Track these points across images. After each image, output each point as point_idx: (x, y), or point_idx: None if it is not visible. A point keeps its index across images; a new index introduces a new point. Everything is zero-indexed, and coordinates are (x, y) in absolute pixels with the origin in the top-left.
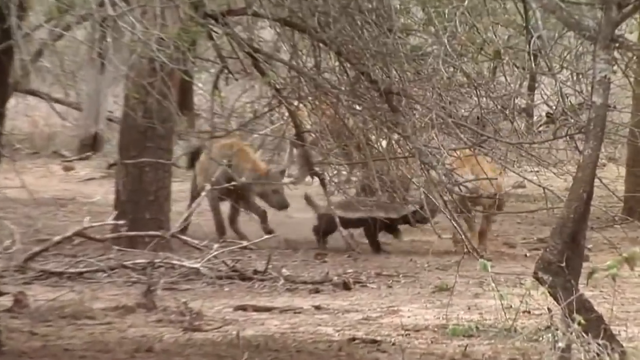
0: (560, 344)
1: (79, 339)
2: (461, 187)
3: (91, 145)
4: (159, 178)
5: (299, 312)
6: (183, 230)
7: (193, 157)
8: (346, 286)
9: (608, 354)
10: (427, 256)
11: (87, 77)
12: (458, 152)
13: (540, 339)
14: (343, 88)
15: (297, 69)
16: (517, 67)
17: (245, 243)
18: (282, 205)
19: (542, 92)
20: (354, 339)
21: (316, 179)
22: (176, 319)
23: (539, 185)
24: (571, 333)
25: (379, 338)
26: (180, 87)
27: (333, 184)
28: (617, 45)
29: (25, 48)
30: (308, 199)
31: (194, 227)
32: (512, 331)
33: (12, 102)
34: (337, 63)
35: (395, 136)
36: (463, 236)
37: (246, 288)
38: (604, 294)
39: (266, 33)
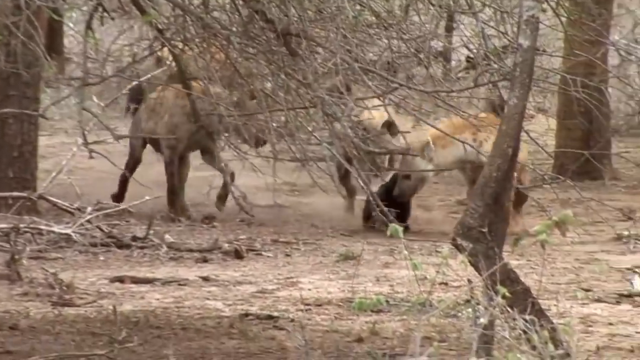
0: (482, 320)
1: None
2: (369, 141)
3: None
4: (24, 131)
5: (184, 285)
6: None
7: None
8: (238, 254)
9: (536, 330)
10: (331, 221)
11: None
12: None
13: (459, 314)
14: (234, 29)
15: (182, 7)
16: (433, 5)
17: (123, 205)
18: None
19: (462, 33)
20: (247, 314)
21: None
22: (44, 292)
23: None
24: (494, 307)
25: (275, 313)
26: (48, 28)
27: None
28: None
29: None
30: None
31: (66, 187)
32: (427, 305)
33: None
34: (227, 0)
35: (295, 84)
36: (372, 199)
37: (124, 257)
38: (532, 263)
39: None
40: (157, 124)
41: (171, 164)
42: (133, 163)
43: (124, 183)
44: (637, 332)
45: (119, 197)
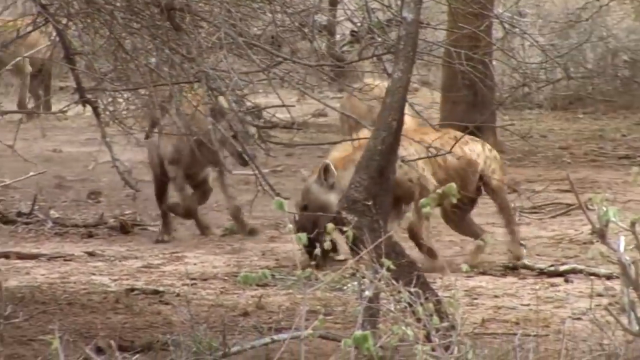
0: (367, 293)
1: None
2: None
3: None
4: None
5: (70, 260)
6: None
7: None
8: (124, 229)
9: (421, 303)
10: (217, 194)
11: None
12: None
13: (345, 287)
14: (118, 4)
15: None
16: None
17: (7, 181)
18: None
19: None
20: (132, 289)
21: (89, 107)
22: None
23: (342, 113)
24: (379, 280)
25: (161, 288)
26: None
27: (107, 113)
28: None
29: None
30: None
31: None
32: (312, 279)
33: None
34: None
35: (179, 58)
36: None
37: (9, 233)
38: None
39: None
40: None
41: (176, 179)
42: (159, 189)
43: (165, 214)
44: (522, 305)
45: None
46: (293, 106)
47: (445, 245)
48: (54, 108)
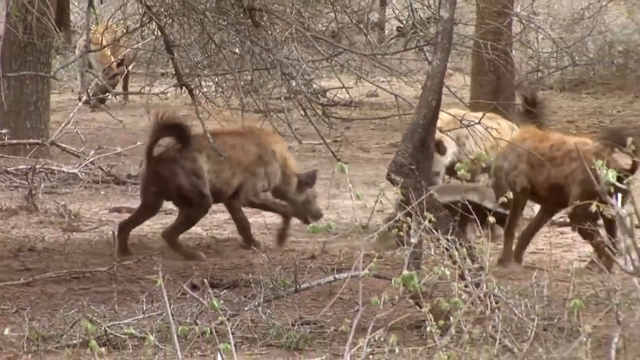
0: (413, 240)
1: None
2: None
3: None
4: (38, 90)
5: (170, 213)
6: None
7: None
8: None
9: (456, 248)
10: None
11: None
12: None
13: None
14: (209, 5)
15: None
16: None
17: (119, 149)
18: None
19: (394, 7)
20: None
21: (185, 90)
22: (56, 221)
23: (392, 93)
24: (422, 230)
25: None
26: (57, 5)
27: (201, 93)
28: None
29: None
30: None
31: (72, 135)
32: (367, 229)
33: None
34: None
35: (258, 49)
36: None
37: (120, 192)
38: None
39: None
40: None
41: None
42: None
43: None
44: (537, 249)
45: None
46: (351, 88)
47: None
48: (156, 90)
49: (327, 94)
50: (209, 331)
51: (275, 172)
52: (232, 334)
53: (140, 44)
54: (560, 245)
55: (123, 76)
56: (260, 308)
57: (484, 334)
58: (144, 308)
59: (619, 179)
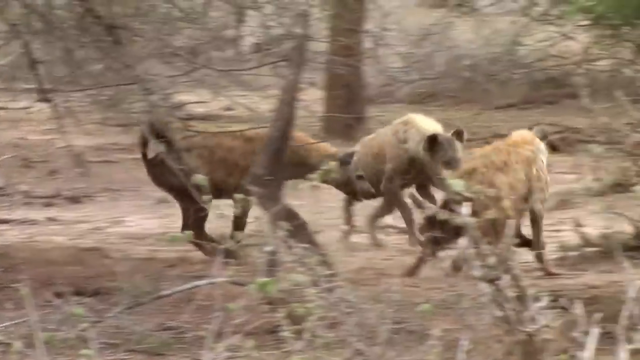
0: (268, 248)
1: None
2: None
3: None
4: None
5: (35, 224)
6: None
7: None
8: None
9: (310, 256)
10: None
11: None
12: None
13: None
14: (71, 23)
15: (30, 6)
16: (228, 2)
17: None
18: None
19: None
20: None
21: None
22: None
23: (247, 108)
24: (277, 239)
25: (105, 246)
26: None
27: (63, 108)
28: None
29: None
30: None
31: None
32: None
33: None
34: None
35: (119, 65)
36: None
37: None
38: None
39: None
40: None
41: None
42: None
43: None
44: (388, 257)
45: None
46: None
47: (327, 209)
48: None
49: (185, 107)
50: (72, 337)
51: None
52: (95, 339)
53: (4, 61)
54: (411, 252)
55: None
56: (122, 315)
57: (338, 338)
58: (11, 316)
59: None
